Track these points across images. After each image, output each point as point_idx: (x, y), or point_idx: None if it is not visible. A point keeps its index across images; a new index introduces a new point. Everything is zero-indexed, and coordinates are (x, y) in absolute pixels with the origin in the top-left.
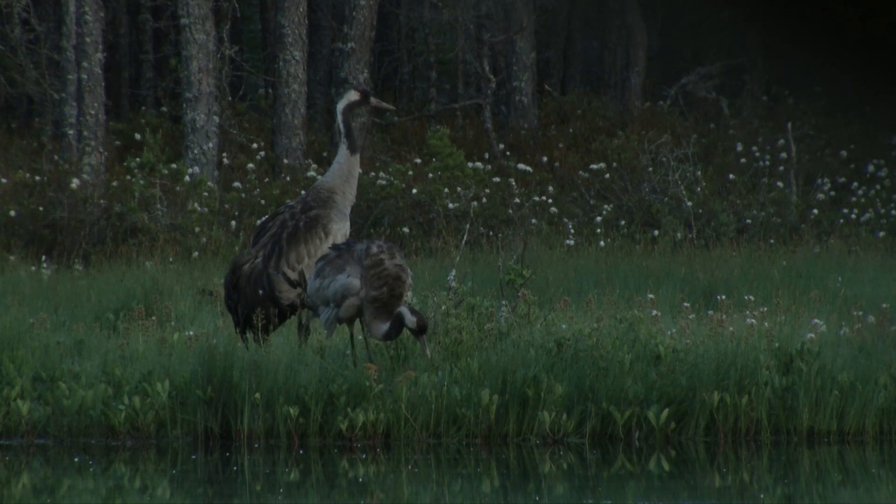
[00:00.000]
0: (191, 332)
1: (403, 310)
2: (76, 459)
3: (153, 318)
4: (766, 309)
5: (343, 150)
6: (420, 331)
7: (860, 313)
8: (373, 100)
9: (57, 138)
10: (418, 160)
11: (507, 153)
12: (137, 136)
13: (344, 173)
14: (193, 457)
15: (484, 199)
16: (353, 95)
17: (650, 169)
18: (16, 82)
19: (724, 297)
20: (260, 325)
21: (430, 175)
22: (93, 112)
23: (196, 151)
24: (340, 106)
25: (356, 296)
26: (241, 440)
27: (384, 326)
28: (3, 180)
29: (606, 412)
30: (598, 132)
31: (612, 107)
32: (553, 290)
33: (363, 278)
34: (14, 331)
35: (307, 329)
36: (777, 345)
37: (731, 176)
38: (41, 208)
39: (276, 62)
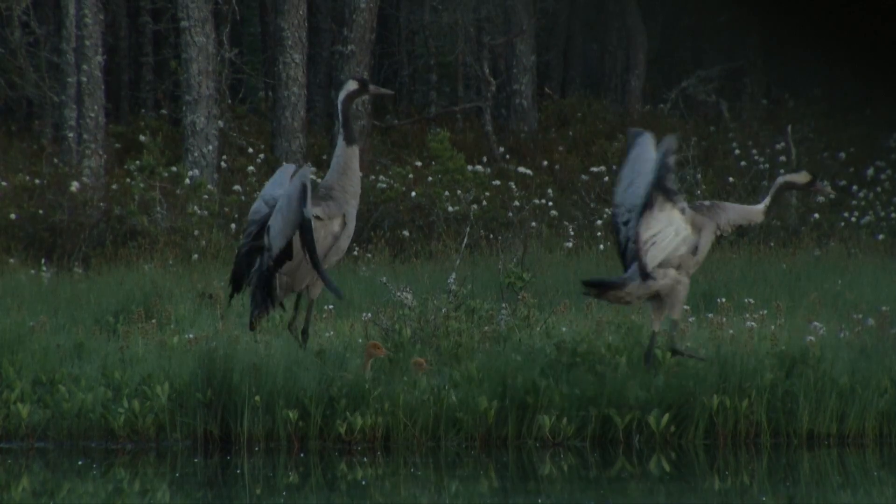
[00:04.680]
0: (190, 335)
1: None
2: (79, 462)
3: (153, 320)
4: (765, 312)
5: (340, 141)
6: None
7: (860, 316)
8: (371, 87)
9: (57, 141)
10: (418, 163)
11: (507, 156)
12: (142, 137)
13: (341, 166)
14: (193, 460)
15: (484, 202)
16: (351, 85)
17: None
18: (16, 85)
19: (723, 299)
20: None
21: (430, 178)
22: (92, 115)
23: (196, 154)
24: (340, 97)
25: None
26: (240, 443)
27: None
28: (3, 183)
29: (606, 416)
30: (599, 135)
31: (613, 110)
32: (553, 294)
33: None
34: (14, 334)
35: (306, 331)
36: (778, 348)
37: (731, 179)
38: (41, 211)
39: (275, 65)
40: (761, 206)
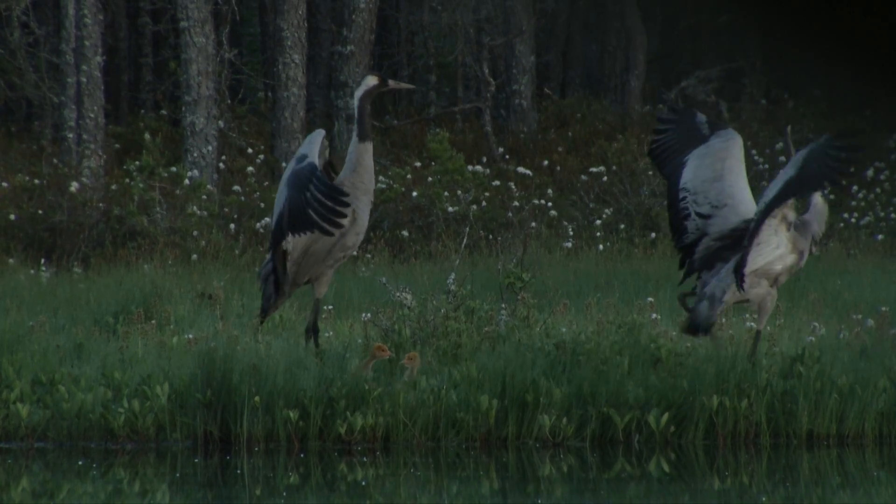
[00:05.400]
0: (190, 336)
1: None
2: (79, 463)
3: (152, 321)
4: None
5: (353, 137)
6: None
7: (859, 317)
8: (391, 82)
9: (56, 142)
10: (418, 164)
11: (507, 156)
12: (147, 136)
13: (353, 163)
14: (193, 460)
15: (483, 203)
16: (370, 80)
17: (650, 172)
18: (15, 86)
19: None
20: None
21: (430, 178)
22: (92, 115)
23: (195, 155)
24: (358, 93)
25: None
26: (240, 443)
27: None
28: (3, 184)
29: (606, 416)
30: (598, 135)
31: (612, 110)
32: (553, 294)
33: None
34: (13, 334)
35: (308, 329)
36: (777, 348)
37: None
38: (40, 212)
39: (275, 65)
40: (819, 199)
